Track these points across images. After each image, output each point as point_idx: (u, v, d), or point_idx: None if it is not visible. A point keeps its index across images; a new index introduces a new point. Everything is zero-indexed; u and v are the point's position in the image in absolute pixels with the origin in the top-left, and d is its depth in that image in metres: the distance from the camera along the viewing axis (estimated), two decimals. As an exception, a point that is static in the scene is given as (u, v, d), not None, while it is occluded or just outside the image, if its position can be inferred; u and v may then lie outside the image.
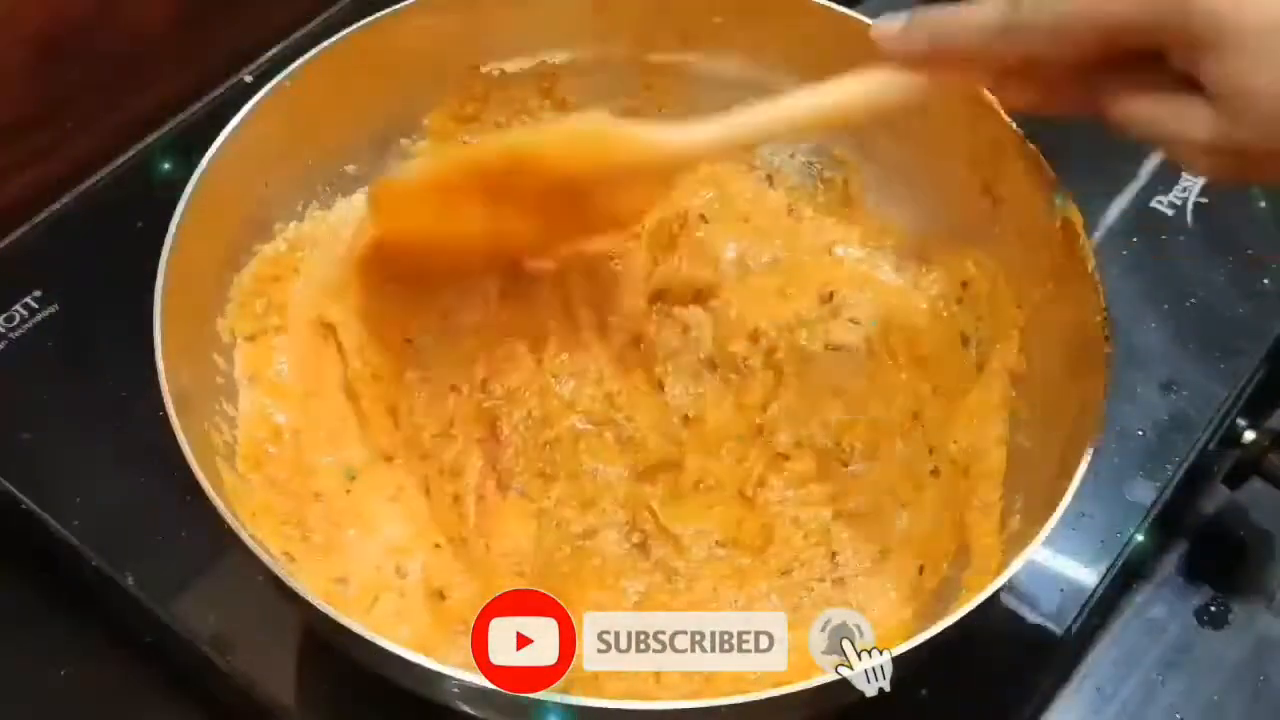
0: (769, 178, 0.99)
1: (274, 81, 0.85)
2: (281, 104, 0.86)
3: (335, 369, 0.88)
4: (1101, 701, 0.89)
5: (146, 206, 0.90)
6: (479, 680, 0.65)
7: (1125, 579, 0.92)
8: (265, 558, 0.67)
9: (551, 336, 0.89)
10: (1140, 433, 0.94)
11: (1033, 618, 0.87)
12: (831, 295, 0.92)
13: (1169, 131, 0.63)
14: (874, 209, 0.96)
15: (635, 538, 0.82)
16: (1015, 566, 0.68)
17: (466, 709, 0.69)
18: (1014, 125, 0.83)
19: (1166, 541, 0.96)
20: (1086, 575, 0.89)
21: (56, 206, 1.05)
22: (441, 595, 0.79)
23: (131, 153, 1.08)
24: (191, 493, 0.70)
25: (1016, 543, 0.74)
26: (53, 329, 0.97)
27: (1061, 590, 0.88)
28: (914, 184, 0.94)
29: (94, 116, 1.07)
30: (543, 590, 0.78)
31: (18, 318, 0.97)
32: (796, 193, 0.98)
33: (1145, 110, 0.63)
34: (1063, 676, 0.89)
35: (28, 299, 0.98)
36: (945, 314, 0.91)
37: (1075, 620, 0.87)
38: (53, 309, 0.98)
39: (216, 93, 1.12)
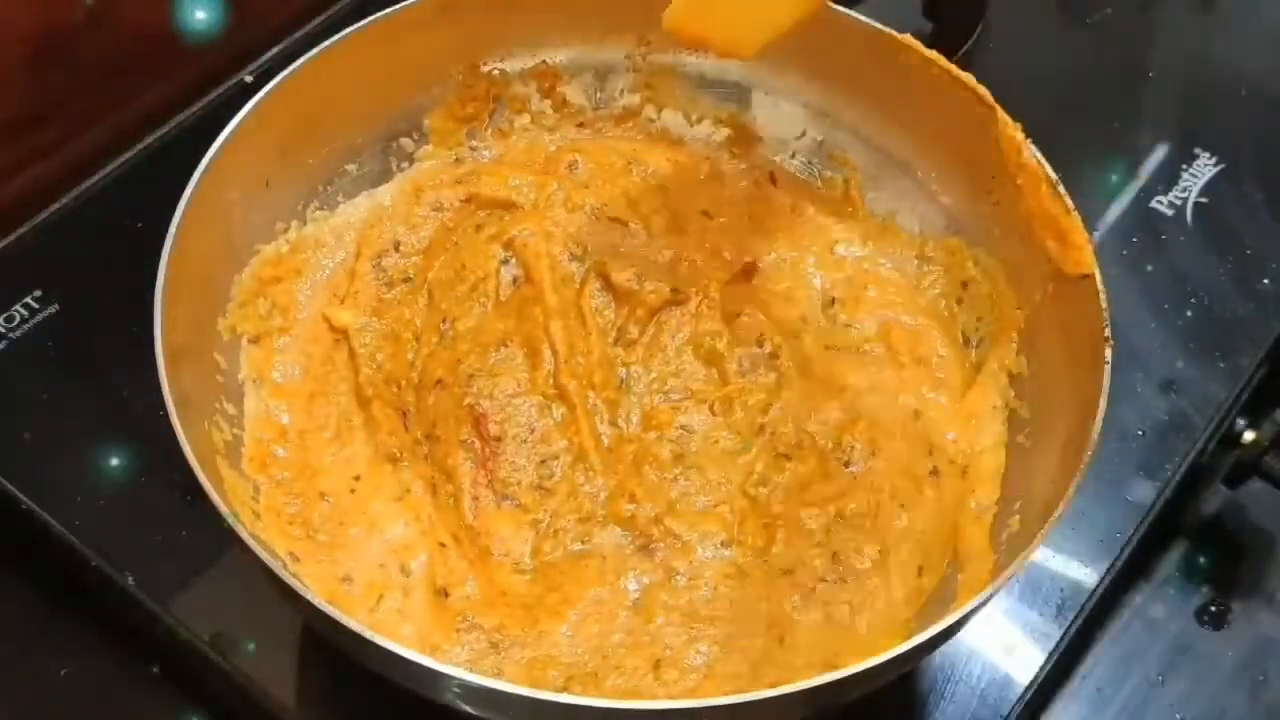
0: (771, 175, 0.99)
1: (274, 81, 0.86)
2: (282, 104, 0.86)
3: (341, 370, 0.89)
4: (1101, 702, 0.89)
5: (146, 206, 0.89)
6: (479, 680, 0.65)
7: (1125, 579, 0.92)
8: (265, 556, 0.67)
9: (548, 351, 0.89)
10: (1140, 433, 0.94)
11: (1033, 618, 0.88)
12: (834, 301, 0.92)
13: None
14: (875, 209, 0.96)
15: (638, 540, 0.83)
16: (1014, 568, 0.68)
17: (467, 709, 0.69)
18: (1016, 126, 0.84)
19: (1166, 541, 0.97)
20: (1086, 575, 0.89)
21: (56, 206, 1.05)
22: (445, 593, 0.79)
23: (131, 153, 1.08)
24: (192, 493, 0.70)
25: (1016, 543, 0.75)
26: (53, 329, 0.97)
27: (1061, 590, 0.88)
28: (916, 184, 0.94)
29: (94, 116, 1.08)
30: (542, 587, 0.80)
31: (18, 318, 0.97)
32: (799, 191, 0.98)
33: None
34: (1063, 676, 0.89)
35: (28, 299, 0.98)
36: (946, 314, 0.91)
37: (1075, 620, 0.88)
38: (53, 309, 0.98)
39: (217, 93, 1.12)
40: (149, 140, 1.09)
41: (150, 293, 0.76)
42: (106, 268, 0.98)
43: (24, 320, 0.97)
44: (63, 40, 1.02)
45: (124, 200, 1.05)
